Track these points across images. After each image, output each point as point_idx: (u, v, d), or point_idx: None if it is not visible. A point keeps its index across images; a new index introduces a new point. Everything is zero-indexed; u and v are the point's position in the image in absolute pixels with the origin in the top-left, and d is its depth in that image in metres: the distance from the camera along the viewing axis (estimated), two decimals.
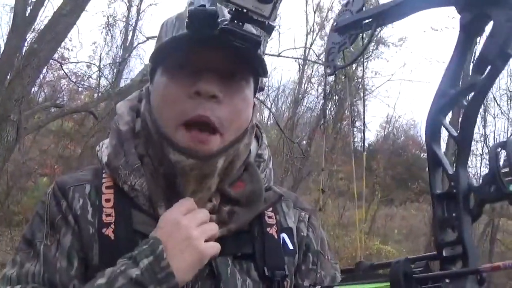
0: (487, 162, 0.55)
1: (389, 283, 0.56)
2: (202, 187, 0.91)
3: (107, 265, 0.85)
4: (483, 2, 0.55)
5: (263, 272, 0.92)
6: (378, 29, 0.68)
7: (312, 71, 14.75)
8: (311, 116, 15.74)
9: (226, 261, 0.90)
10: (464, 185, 0.56)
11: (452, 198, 0.57)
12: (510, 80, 13.23)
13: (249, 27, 0.88)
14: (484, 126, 12.16)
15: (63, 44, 8.37)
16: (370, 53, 14.41)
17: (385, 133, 20.70)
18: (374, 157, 15.09)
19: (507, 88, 13.03)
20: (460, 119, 0.58)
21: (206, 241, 0.85)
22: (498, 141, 0.55)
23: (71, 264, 0.88)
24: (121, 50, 15.01)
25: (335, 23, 0.70)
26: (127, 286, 0.78)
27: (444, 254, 0.58)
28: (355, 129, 14.06)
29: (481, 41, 0.56)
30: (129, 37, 15.02)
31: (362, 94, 14.05)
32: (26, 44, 6.96)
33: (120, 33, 15.03)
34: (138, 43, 11.85)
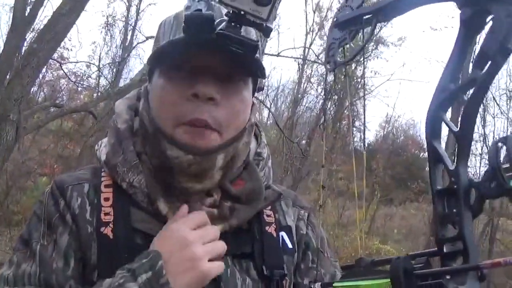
0: (487, 162, 0.55)
1: (389, 280, 0.55)
2: (200, 182, 0.90)
3: (106, 264, 0.85)
4: None
5: (262, 271, 0.92)
6: (377, 27, 0.68)
7: (312, 70, 14.74)
8: (310, 115, 15.74)
9: (226, 260, 0.89)
10: (465, 181, 0.56)
11: (452, 194, 0.57)
12: (510, 79, 13.24)
13: (248, 29, 0.88)
14: (484, 126, 12.16)
15: (62, 43, 8.38)
16: (370, 52, 14.40)
17: (385, 132, 20.72)
18: (373, 157, 15.09)
19: (506, 87, 13.04)
20: (460, 116, 0.58)
21: (210, 259, 0.83)
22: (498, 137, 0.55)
23: (67, 264, 0.87)
24: (121, 49, 15.02)
25: (335, 19, 0.70)
26: None
27: (444, 250, 0.57)
28: (354, 128, 14.05)
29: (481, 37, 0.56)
30: (129, 37, 15.05)
31: (361, 94, 14.05)
32: (25, 44, 6.95)
33: (120, 33, 15.04)
34: (138, 43, 11.86)
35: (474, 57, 0.55)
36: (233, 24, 0.74)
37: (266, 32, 0.77)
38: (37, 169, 10.08)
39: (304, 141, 13.71)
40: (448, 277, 0.53)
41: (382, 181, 15.12)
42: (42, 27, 6.60)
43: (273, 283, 0.92)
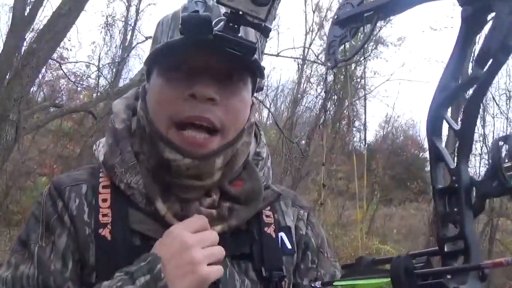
0: (486, 162, 0.55)
1: (389, 279, 0.55)
2: (200, 180, 0.90)
3: (104, 266, 0.85)
4: None
5: (261, 272, 0.91)
6: (377, 26, 0.68)
7: (311, 71, 14.75)
8: (310, 116, 15.75)
9: (225, 261, 0.89)
10: (466, 179, 0.56)
11: (453, 192, 0.57)
12: (509, 79, 13.25)
13: (247, 30, 0.88)
14: (483, 126, 12.16)
15: (62, 44, 8.38)
16: (369, 53, 14.40)
17: (384, 132, 20.74)
18: (373, 157, 15.10)
19: (506, 87, 13.05)
20: (460, 115, 0.58)
21: (210, 263, 0.82)
22: (499, 136, 0.54)
23: (65, 266, 0.87)
24: (120, 50, 15.02)
25: (336, 16, 0.70)
26: None
27: (445, 249, 0.57)
28: (354, 128, 14.06)
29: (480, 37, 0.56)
30: (128, 37, 15.05)
31: (361, 94, 14.07)
32: (25, 44, 6.94)
33: (119, 33, 15.06)
34: (137, 43, 11.83)
35: (475, 55, 0.55)
36: (231, 24, 0.73)
37: (265, 32, 0.76)
38: (36, 169, 10.09)
39: (303, 141, 13.72)
40: (449, 276, 0.53)
41: (381, 181, 15.14)
42: (41, 27, 6.59)
43: (272, 285, 0.92)
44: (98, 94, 11.05)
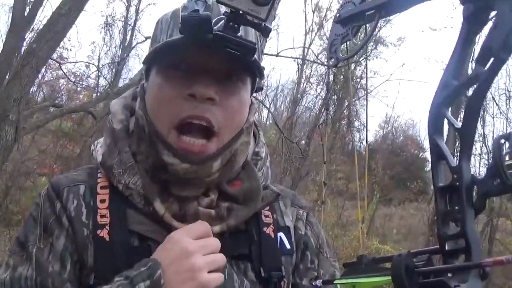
0: (486, 162, 0.55)
1: (390, 277, 0.55)
2: (196, 185, 0.90)
3: (102, 267, 0.84)
4: None
5: (260, 273, 0.91)
6: (377, 26, 0.68)
7: (311, 71, 14.74)
8: (309, 116, 15.74)
9: None
10: (467, 177, 0.56)
11: (455, 191, 0.57)
12: (509, 79, 13.24)
13: (247, 29, 0.88)
14: (483, 126, 12.15)
15: (61, 44, 8.38)
16: (369, 52, 14.40)
17: (384, 132, 20.75)
18: (373, 157, 15.10)
19: (505, 87, 13.04)
20: (460, 115, 0.58)
21: (210, 271, 0.82)
22: (501, 133, 0.54)
23: (64, 267, 0.87)
24: (120, 50, 15.00)
25: (337, 15, 0.70)
26: None
27: (446, 247, 0.57)
28: (353, 128, 14.05)
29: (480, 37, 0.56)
30: (128, 37, 15.03)
31: (360, 95, 14.05)
32: (24, 44, 6.93)
33: (119, 33, 15.04)
34: (137, 43, 11.82)
35: (477, 54, 0.55)
36: (231, 24, 0.73)
37: (265, 32, 0.76)
38: (36, 169, 10.08)
39: (303, 141, 13.71)
40: (450, 274, 0.53)
41: (381, 181, 15.13)
42: (41, 27, 6.59)
43: (271, 285, 0.91)
44: (98, 94, 11.05)
